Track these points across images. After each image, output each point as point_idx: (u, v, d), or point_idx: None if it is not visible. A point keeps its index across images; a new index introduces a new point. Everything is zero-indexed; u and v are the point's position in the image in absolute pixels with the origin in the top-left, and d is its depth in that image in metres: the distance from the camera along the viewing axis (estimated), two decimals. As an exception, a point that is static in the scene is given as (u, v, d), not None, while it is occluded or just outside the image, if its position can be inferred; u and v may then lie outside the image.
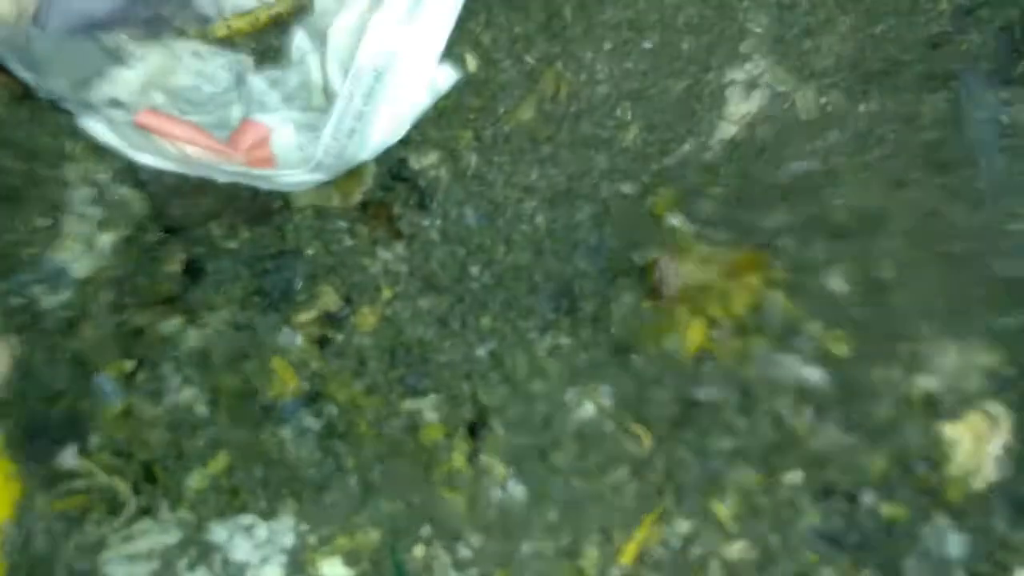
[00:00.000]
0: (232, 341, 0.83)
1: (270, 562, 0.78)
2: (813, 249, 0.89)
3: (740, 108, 0.90)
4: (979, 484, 0.85)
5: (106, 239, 0.83)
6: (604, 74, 0.89)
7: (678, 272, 0.89)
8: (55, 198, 0.83)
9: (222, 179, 0.81)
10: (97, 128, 0.79)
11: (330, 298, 0.85)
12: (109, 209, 0.83)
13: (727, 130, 0.89)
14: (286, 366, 0.83)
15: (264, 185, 0.82)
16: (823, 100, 0.90)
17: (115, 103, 0.78)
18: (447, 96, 0.86)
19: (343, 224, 0.86)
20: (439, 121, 0.88)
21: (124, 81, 0.78)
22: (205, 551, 0.80)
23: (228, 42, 0.84)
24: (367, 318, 0.85)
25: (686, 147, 0.89)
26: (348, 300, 0.85)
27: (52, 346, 0.81)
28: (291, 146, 0.78)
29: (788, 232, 0.89)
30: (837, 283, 0.89)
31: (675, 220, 0.89)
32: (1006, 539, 0.84)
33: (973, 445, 0.85)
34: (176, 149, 0.78)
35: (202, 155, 0.78)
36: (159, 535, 0.79)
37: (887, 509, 0.84)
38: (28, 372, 0.80)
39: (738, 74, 0.90)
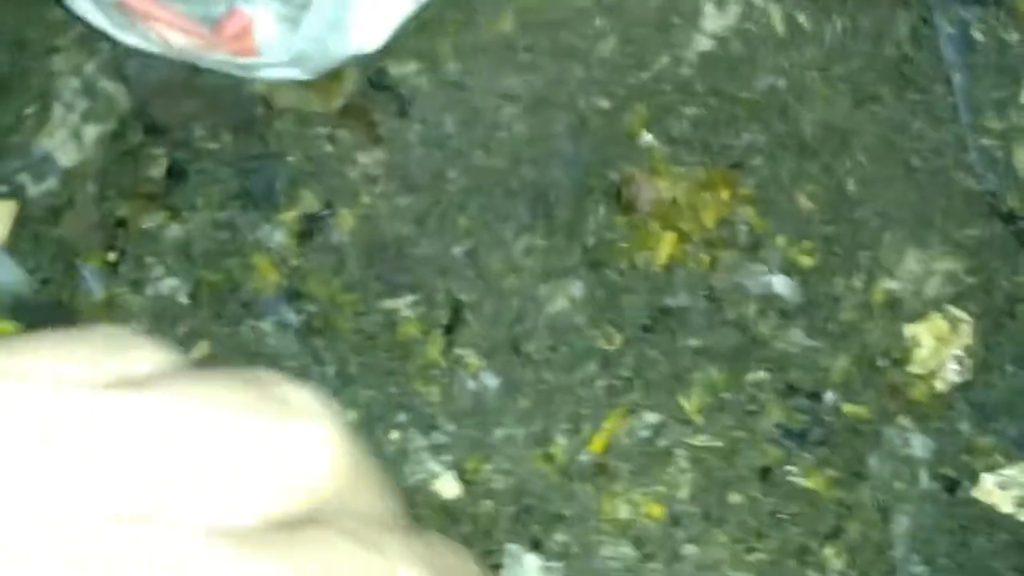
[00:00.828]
0: (214, 237, 0.86)
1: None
2: (782, 166, 0.92)
3: (716, 21, 0.92)
4: (941, 386, 0.87)
5: (91, 131, 0.85)
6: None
7: (651, 189, 0.92)
8: (42, 88, 0.85)
9: (205, 66, 0.83)
10: (84, 7, 0.81)
11: (310, 201, 0.87)
12: (95, 102, 0.85)
13: (702, 43, 0.92)
14: (267, 262, 0.85)
15: (245, 74, 0.84)
16: (797, 16, 0.93)
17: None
18: (427, 7, 0.88)
19: (323, 130, 0.89)
20: (419, 32, 0.90)
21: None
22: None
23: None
24: (346, 219, 0.87)
25: (663, 60, 0.91)
26: (328, 204, 0.87)
27: (36, 234, 0.84)
28: (273, 36, 0.80)
29: (758, 151, 0.92)
30: (804, 198, 0.91)
31: (649, 138, 0.92)
32: (971, 442, 0.86)
33: (935, 345, 0.88)
34: (161, 35, 0.80)
35: (186, 42, 0.79)
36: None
37: (850, 408, 0.86)
38: (14, 258, 0.82)
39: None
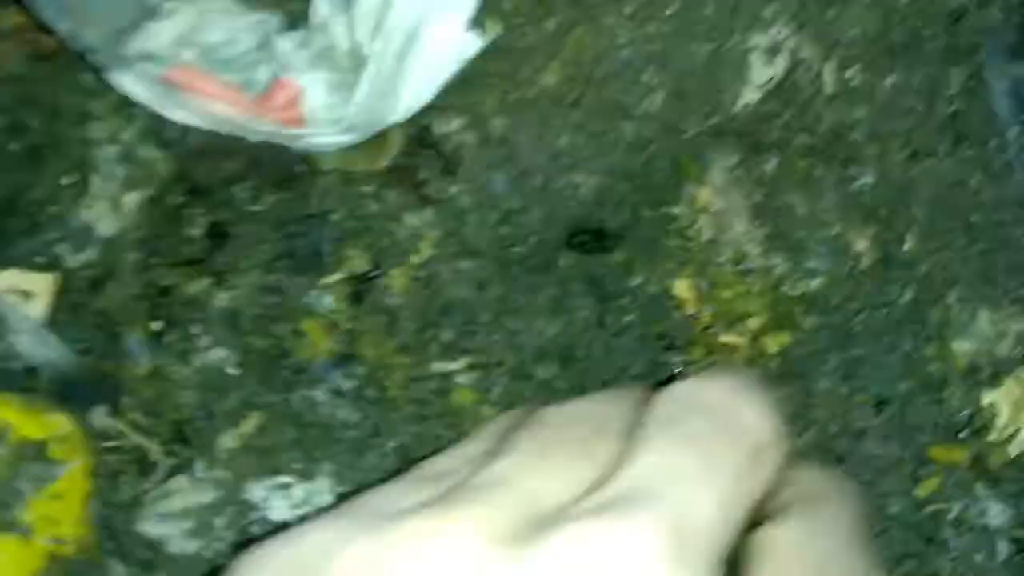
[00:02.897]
0: (261, 303, 0.82)
1: (308, 521, 0.76)
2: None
3: (764, 73, 0.89)
4: (1015, 451, 0.84)
5: (131, 199, 0.81)
6: (626, 39, 0.88)
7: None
8: (79, 157, 0.81)
9: (253, 138, 0.80)
10: (128, 82, 0.78)
11: (358, 261, 0.83)
12: (134, 168, 0.81)
13: (751, 96, 0.89)
14: (317, 327, 0.81)
15: (294, 145, 0.81)
16: (847, 73, 0.90)
17: (148, 57, 0.77)
18: (469, 62, 0.85)
19: (369, 189, 0.85)
20: (462, 87, 0.87)
21: (157, 35, 0.77)
22: (242, 510, 0.77)
23: (252, 2, 0.83)
24: (397, 280, 0.83)
25: (714, 119, 0.89)
26: (377, 264, 0.83)
27: (76, 306, 0.79)
28: (322, 106, 0.77)
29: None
30: (864, 255, 0.88)
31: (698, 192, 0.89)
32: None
33: (1010, 411, 0.85)
34: (206, 107, 0.77)
35: (232, 113, 0.76)
36: (194, 494, 0.77)
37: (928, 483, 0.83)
38: (54, 333, 0.78)
39: (761, 39, 0.90)
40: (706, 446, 0.30)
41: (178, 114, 0.79)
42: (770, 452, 0.31)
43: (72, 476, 0.73)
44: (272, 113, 0.78)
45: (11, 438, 0.71)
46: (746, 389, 0.32)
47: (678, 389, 0.33)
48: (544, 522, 0.27)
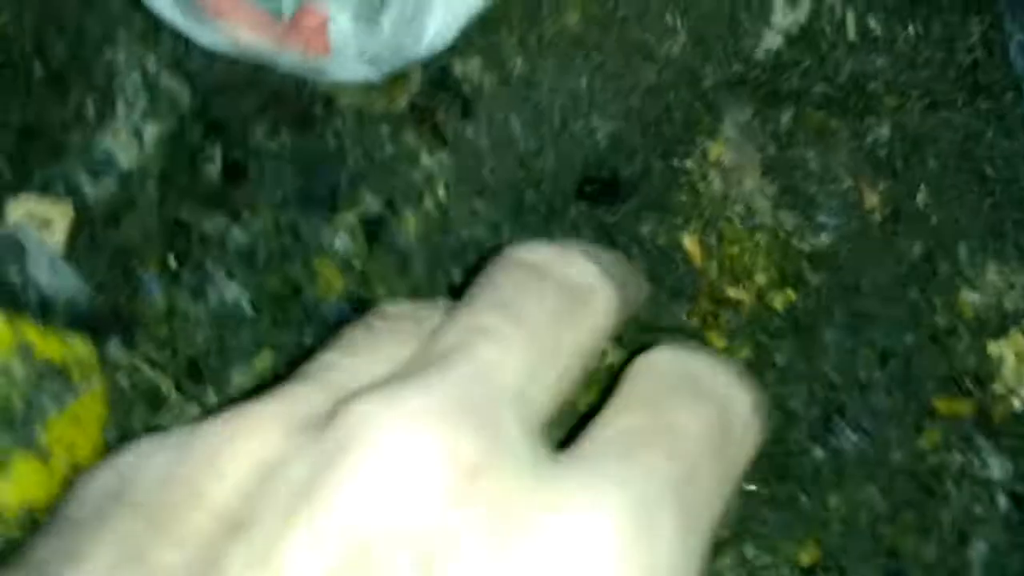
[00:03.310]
0: (276, 241, 0.82)
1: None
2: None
3: (787, 17, 0.89)
4: (1019, 405, 0.85)
5: (152, 130, 0.81)
6: (650, -21, 0.88)
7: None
8: (103, 83, 0.81)
9: (278, 69, 0.79)
10: (161, 3, 0.77)
11: (372, 202, 0.84)
12: (157, 99, 0.81)
13: (772, 41, 0.88)
14: (331, 267, 0.82)
15: (317, 77, 0.80)
16: (869, 21, 0.90)
17: (185, -24, 0.76)
18: (491, 1, 0.85)
19: (386, 129, 0.85)
20: (483, 28, 0.86)
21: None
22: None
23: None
24: (410, 222, 0.84)
25: (735, 65, 0.88)
26: (391, 205, 0.84)
27: (94, 238, 0.80)
28: (348, 35, 0.76)
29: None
30: (875, 209, 0.88)
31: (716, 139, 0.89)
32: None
33: (1016, 363, 0.85)
34: (234, 34, 0.76)
35: (260, 41, 0.76)
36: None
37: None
38: (70, 264, 0.78)
39: (785, -18, 0.89)
40: (513, 302, 0.28)
41: (205, 36, 0.78)
42: (596, 299, 0.30)
43: (90, 399, 0.73)
44: (298, 41, 0.77)
45: (33, 356, 0.71)
46: (572, 249, 0.31)
47: (503, 259, 0.31)
48: (344, 401, 0.26)
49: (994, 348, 0.85)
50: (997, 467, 0.84)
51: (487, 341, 0.27)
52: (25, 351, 0.71)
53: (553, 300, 0.29)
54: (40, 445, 0.71)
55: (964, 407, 0.84)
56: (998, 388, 0.84)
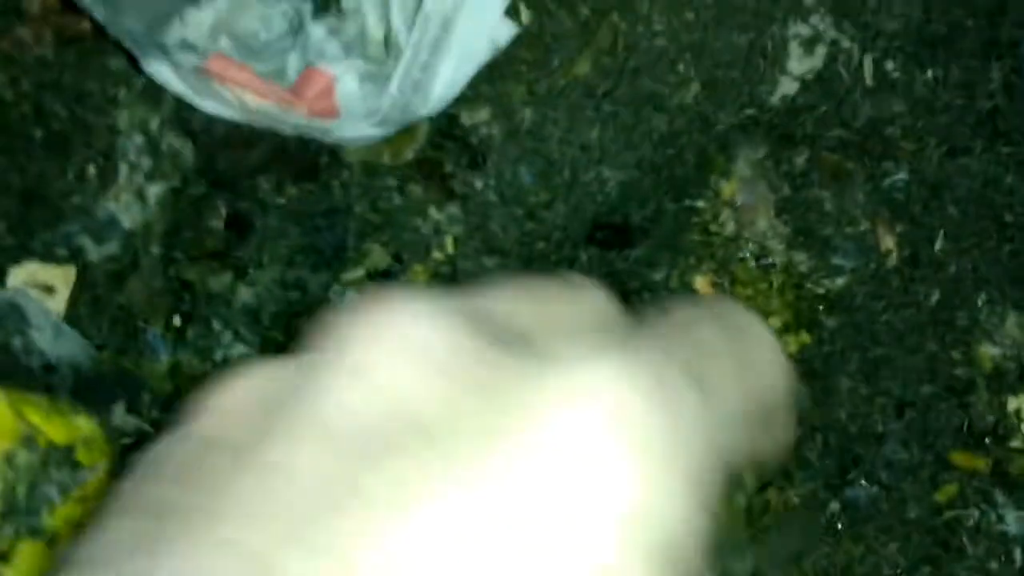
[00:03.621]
0: (283, 297, 0.81)
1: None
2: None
3: (803, 64, 0.87)
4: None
5: (154, 190, 0.80)
6: (662, 26, 0.86)
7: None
8: (104, 145, 0.80)
9: (283, 130, 0.78)
10: (163, 72, 0.76)
11: (380, 256, 0.83)
12: (159, 159, 0.80)
13: (788, 87, 0.87)
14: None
15: (324, 138, 0.79)
16: (887, 66, 0.88)
17: (186, 46, 0.75)
18: (500, 51, 0.83)
19: (393, 182, 0.84)
20: (491, 76, 0.85)
21: (196, 23, 0.75)
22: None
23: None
24: (419, 275, 0.83)
25: (749, 110, 0.87)
26: (399, 259, 0.82)
27: (98, 299, 0.79)
28: (355, 97, 0.75)
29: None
30: (891, 253, 0.87)
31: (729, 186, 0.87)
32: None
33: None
34: (237, 98, 0.75)
35: (264, 105, 0.75)
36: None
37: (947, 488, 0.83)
38: (73, 327, 0.78)
39: (801, 29, 0.87)
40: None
41: (210, 104, 0.77)
42: (779, 414, 0.29)
43: (97, 479, 0.73)
44: (305, 104, 0.76)
45: (39, 443, 0.71)
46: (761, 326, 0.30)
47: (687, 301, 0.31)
48: (523, 337, 0.24)
49: (1013, 403, 0.83)
50: (1014, 522, 0.83)
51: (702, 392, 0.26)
52: (29, 439, 0.70)
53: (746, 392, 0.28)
54: (46, 530, 0.70)
55: (981, 461, 0.83)
56: (1016, 443, 0.83)
